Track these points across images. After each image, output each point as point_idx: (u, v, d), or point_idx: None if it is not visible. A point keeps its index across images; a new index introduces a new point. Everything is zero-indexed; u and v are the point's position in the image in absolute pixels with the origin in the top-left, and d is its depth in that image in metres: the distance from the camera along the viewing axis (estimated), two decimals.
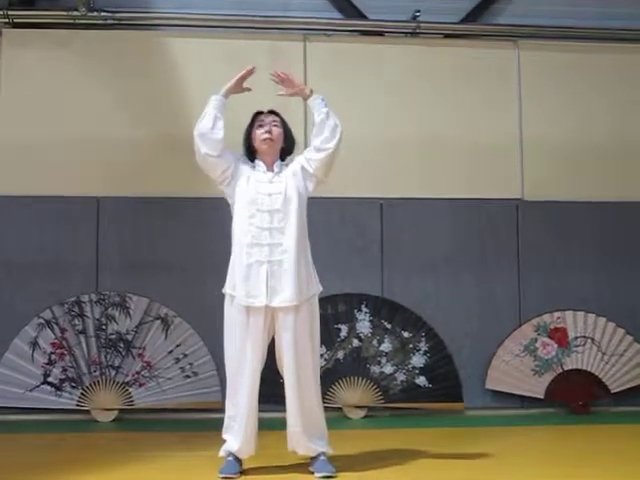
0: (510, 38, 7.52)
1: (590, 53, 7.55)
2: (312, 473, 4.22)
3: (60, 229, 6.91)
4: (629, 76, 7.57)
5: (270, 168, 4.44)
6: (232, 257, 4.37)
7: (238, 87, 4.52)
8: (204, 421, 6.50)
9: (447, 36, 7.53)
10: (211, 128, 4.39)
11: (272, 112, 4.58)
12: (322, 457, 4.28)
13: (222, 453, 4.33)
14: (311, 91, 4.59)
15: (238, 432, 4.26)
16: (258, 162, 4.47)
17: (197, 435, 5.78)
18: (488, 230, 7.29)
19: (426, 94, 7.38)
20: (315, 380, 4.32)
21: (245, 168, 4.44)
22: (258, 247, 4.26)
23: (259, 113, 4.57)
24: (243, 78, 4.50)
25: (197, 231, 6.98)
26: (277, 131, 4.48)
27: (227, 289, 4.34)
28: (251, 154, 4.52)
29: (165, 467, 4.56)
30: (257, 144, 4.46)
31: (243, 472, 4.25)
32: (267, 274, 4.23)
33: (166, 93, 7.14)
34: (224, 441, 4.33)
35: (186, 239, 7.00)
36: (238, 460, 4.29)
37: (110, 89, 7.08)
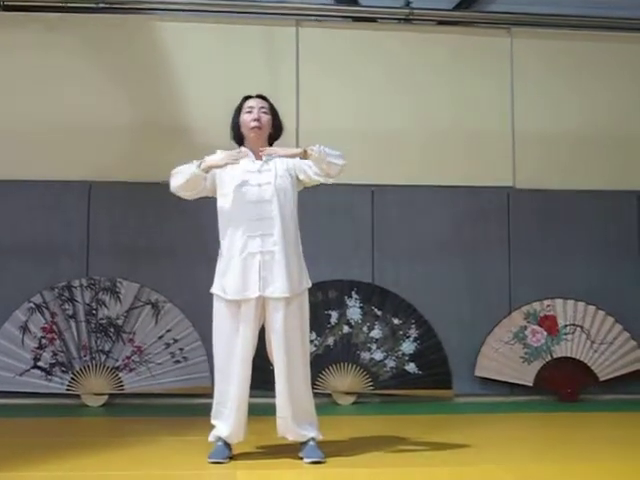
0: (503, 25, 7.51)
1: (584, 41, 7.56)
2: (301, 459, 4.24)
3: (51, 214, 6.90)
4: (623, 65, 7.58)
5: (258, 157, 4.39)
6: (221, 251, 4.34)
7: (223, 166, 4.30)
8: (194, 406, 6.52)
9: (440, 23, 7.52)
10: (184, 190, 4.34)
11: (261, 97, 4.52)
12: (311, 443, 4.29)
13: (211, 439, 4.34)
14: (304, 151, 4.29)
15: (228, 418, 4.27)
16: (246, 150, 4.42)
17: (187, 420, 5.79)
18: (479, 218, 7.30)
19: (418, 81, 7.38)
20: (304, 368, 4.32)
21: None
22: (250, 239, 4.24)
23: (247, 98, 4.51)
24: (232, 161, 4.26)
25: (188, 217, 6.96)
26: (266, 118, 4.42)
27: (216, 290, 4.31)
28: (239, 140, 4.49)
29: (155, 451, 4.56)
30: (245, 131, 4.42)
31: (232, 457, 4.26)
32: (260, 265, 4.22)
33: (158, 78, 7.12)
34: (213, 427, 4.34)
35: (177, 225, 6.99)
36: (227, 445, 4.30)
37: (102, 74, 7.05)
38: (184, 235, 6.97)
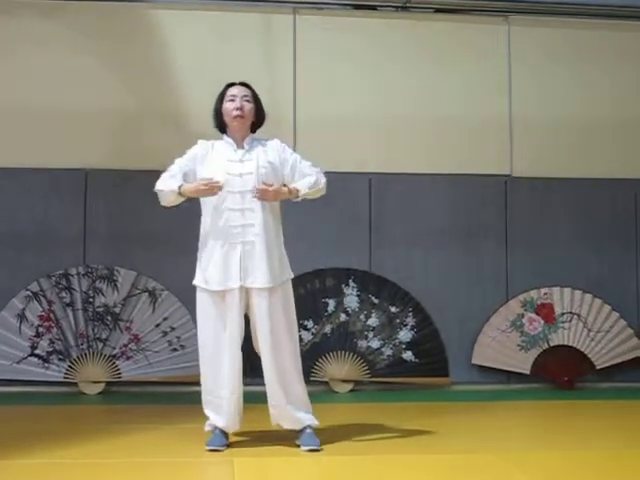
0: (501, 13, 7.48)
1: (582, 29, 7.53)
2: (298, 446, 4.24)
3: (48, 202, 6.88)
4: (622, 53, 7.56)
5: (240, 145, 4.36)
6: (202, 242, 4.35)
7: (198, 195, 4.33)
8: (191, 394, 6.48)
9: (438, 11, 7.48)
10: (163, 202, 4.43)
11: (243, 84, 4.46)
12: (308, 430, 4.29)
13: (208, 428, 4.35)
14: (290, 191, 4.32)
15: (221, 408, 4.26)
16: (228, 139, 4.39)
17: (184, 408, 5.79)
18: (476, 206, 7.30)
19: (416, 69, 7.36)
20: (293, 356, 4.31)
21: (211, 152, 4.35)
22: (232, 229, 4.22)
23: (230, 85, 4.45)
24: (205, 193, 4.26)
25: (185, 205, 6.94)
26: (248, 107, 4.37)
27: (198, 282, 4.32)
28: (221, 127, 4.45)
29: (152, 439, 4.57)
30: (228, 119, 4.37)
31: (230, 445, 4.27)
32: (241, 255, 4.21)
33: (155, 66, 7.10)
34: (207, 417, 4.34)
35: (175, 213, 6.92)
36: (224, 433, 4.31)
37: (98, 61, 7.02)
38: (181, 223, 6.91)
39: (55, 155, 6.90)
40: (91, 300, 6.77)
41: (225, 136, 4.42)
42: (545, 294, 7.21)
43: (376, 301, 7.03)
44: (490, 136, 7.38)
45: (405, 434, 4.64)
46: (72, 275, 6.78)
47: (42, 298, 6.71)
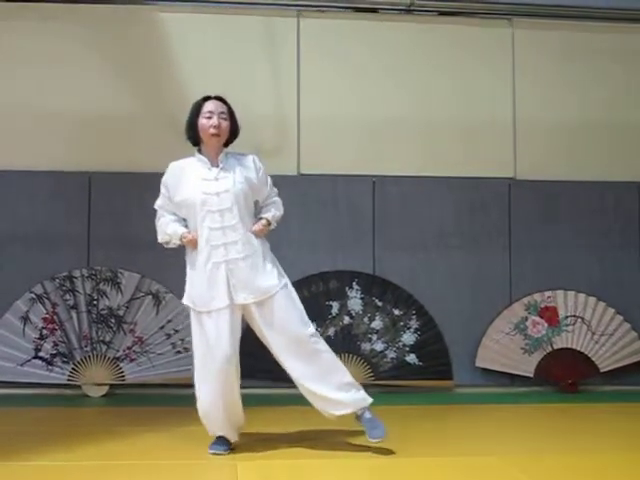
0: (505, 16, 7.48)
1: (585, 32, 7.53)
2: (363, 433, 4.24)
3: (52, 204, 6.89)
4: (624, 57, 7.55)
5: (215, 162, 4.32)
6: (187, 261, 4.33)
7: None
8: (194, 396, 6.51)
9: (441, 13, 7.48)
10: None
11: (219, 99, 4.40)
12: (367, 415, 4.26)
13: (210, 433, 4.34)
14: (268, 222, 4.38)
15: (218, 422, 4.25)
16: (201, 157, 4.35)
17: (187, 410, 5.76)
18: (480, 209, 7.30)
19: (420, 72, 7.36)
20: (316, 349, 4.24)
21: (184, 174, 4.33)
22: (214, 249, 4.19)
23: (206, 99, 4.39)
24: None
25: None
26: (225, 124, 4.32)
27: (186, 301, 4.30)
28: (194, 141, 4.40)
29: (155, 442, 4.58)
30: (204, 136, 4.32)
31: (233, 448, 4.27)
32: (226, 273, 4.17)
33: (159, 68, 7.11)
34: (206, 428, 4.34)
35: None
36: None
37: (102, 64, 7.03)
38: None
39: (59, 158, 6.91)
40: (95, 302, 6.78)
41: (197, 153, 4.38)
42: (549, 297, 7.21)
43: (380, 304, 7.03)
44: (494, 139, 7.38)
45: (408, 437, 4.64)
46: (76, 277, 6.79)
47: (46, 300, 6.72)
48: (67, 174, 6.90)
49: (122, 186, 6.95)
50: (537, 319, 7.17)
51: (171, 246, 4.39)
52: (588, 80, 7.49)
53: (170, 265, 6.82)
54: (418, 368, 6.97)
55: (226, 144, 4.41)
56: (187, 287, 4.31)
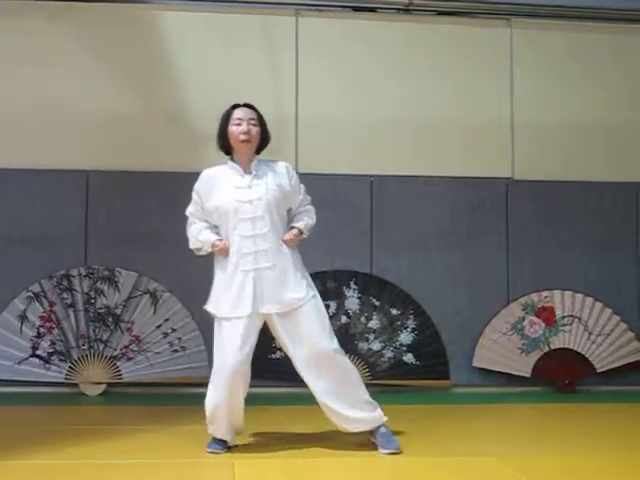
0: (504, 16, 7.49)
1: (584, 33, 7.53)
2: (375, 447, 4.24)
3: (49, 202, 6.89)
4: (622, 58, 7.55)
5: (247, 170, 4.32)
6: (216, 267, 4.32)
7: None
8: (192, 395, 6.51)
9: (440, 13, 7.48)
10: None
11: (249, 106, 4.39)
12: (383, 430, 4.28)
13: (211, 433, 4.33)
14: (299, 231, 4.37)
15: (221, 424, 4.25)
16: (233, 164, 4.35)
17: (185, 409, 5.80)
18: (478, 208, 7.30)
19: (418, 71, 7.36)
20: (341, 363, 4.25)
21: (217, 181, 4.33)
22: (243, 257, 4.19)
23: (235, 107, 4.39)
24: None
25: (187, 206, 6.96)
26: (255, 130, 4.32)
27: (209, 307, 4.28)
28: (226, 150, 4.40)
29: (152, 440, 4.58)
30: (234, 143, 4.32)
31: (230, 447, 4.27)
32: (255, 282, 4.16)
33: (157, 67, 7.10)
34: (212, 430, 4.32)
35: (176, 214, 6.94)
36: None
37: (102, 62, 7.02)
38: (183, 224, 6.93)
39: (57, 156, 6.90)
40: (92, 301, 6.77)
41: (230, 161, 4.39)
42: (546, 297, 7.21)
43: (377, 303, 7.03)
44: (492, 139, 7.38)
45: (405, 437, 4.63)
46: (73, 276, 6.79)
47: (43, 299, 6.72)
48: (65, 172, 6.89)
49: (120, 184, 6.95)
50: (534, 319, 7.17)
51: (202, 253, 4.38)
52: (586, 81, 7.50)
53: (168, 264, 6.88)
54: (415, 368, 6.97)
55: (257, 151, 4.40)
56: (212, 292, 4.30)
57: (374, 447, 4.28)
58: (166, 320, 6.79)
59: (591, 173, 7.40)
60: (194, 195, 4.42)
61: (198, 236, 4.36)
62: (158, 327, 6.78)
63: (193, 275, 6.74)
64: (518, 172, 7.38)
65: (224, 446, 4.26)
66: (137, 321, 6.78)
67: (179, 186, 6.96)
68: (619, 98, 7.52)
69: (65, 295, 6.75)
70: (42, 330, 6.68)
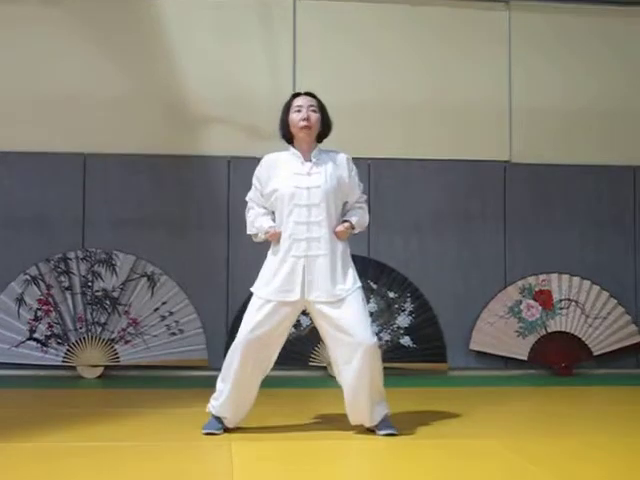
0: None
1: (582, 15, 7.51)
2: (373, 431, 4.24)
3: (47, 186, 6.88)
4: (620, 41, 7.54)
5: (307, 157, 4.32)
6: (269, 254, 4.31)
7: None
8: (189, 378, 6.54)
9: None
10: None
11: (309, 94, 4.41)
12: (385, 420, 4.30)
13: (209, 409, 4.32)
14: (351, 225, 4.36)
15: (225, 404, 4.22)
16: (295, 151, 4.34)
17: (182, 392, 5.81)
18: (475, 192, 7.30)
19: (415, 55, 7.34)
20: (377, 357, 4.25)
21: (277, 166, 4.32)
22: (295, 242, 4.19)
23: (296, 95, 4.41)
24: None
25: (184, 189, 6.97)
26: (315, 117, 4.33)
27: (256, 289, 4.24)
28: (288, 138, 4.39)
29: (150, 423, 4.58)
30: (294, 130, 4.31)
31: (227, 429, 4.28)
32: (304, 269, 4.16)
33: (155, 51, 7.08)
34: (212, 396, 4.30)
35: (173, 197, 6.98)
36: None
37: (98, 47, 7.00)
38: (180, 207, 6.97)
39: (54, 140, 6.89)
40: (90, 284, 6.77)
41: (292, 147, 4.37)
42: (543, 280, 7.22)
43: (374, 286, 7.04)
44: (489, 122, 7.37)
45: (403, 419, 4.64)
46: (71, 259, 6.78)
47: (41, 282, 6.72)
48: (62, 155, 6.88)
49: (117, 168, 6.94)
50: (531, 302, 7.19)
51: (259, 240, 4.37)
52: (585, 64, 7.48)
53: (165, 247, 6.89)
54: (413, 351, 6.99)
55: (319, 140, 4.41)
56: (260, 275, 4.28)
57: (371, 431, 4.29)
58: (163, 303, 6.79)
59: (589, 156, 7.40)
60: (254, 180, 4.40)
61: (254, 222, 4.37)
62: (155, 310, 6.79)
63: (190, 258, 6.76)
64: (515, 155, 7.37)
65: (221, 426, 4.25)
66: (134, 304, 6.78)
67: (176, 169, 7.02)
68: (617, 82, 7.50)
69: (62, 278, 6.75)
70: (39, 313, 6.68)
